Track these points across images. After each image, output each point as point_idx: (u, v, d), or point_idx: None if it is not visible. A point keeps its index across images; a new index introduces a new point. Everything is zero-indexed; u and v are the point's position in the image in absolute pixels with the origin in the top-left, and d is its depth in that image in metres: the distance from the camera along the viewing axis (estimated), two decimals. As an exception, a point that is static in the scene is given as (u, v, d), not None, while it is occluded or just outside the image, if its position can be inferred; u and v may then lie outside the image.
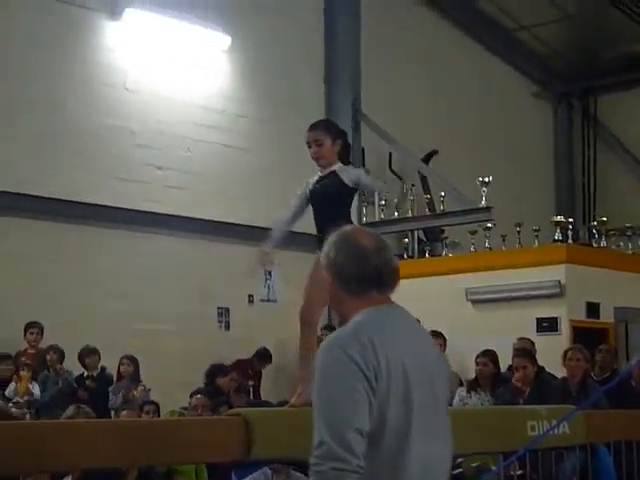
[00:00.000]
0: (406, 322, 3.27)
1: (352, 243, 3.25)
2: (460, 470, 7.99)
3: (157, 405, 9.52)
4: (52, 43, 12.27)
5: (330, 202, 5.35)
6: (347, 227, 3.40)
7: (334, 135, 5.41)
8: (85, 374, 10.88)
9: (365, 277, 3.19)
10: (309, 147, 5.43)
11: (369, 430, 2.96)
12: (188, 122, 13.52)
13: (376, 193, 5.23)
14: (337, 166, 5.39)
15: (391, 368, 3.02)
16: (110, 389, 10.66)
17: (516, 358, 9.10)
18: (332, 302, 3.33)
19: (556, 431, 5.79)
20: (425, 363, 3.18)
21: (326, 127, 5.48)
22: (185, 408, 9.26)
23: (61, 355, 10.72)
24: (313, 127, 5.46)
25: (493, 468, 7.56)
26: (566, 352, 9.12)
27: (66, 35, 12.45)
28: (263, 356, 12.92)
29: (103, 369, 10.99)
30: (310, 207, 5.60)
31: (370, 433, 2.97)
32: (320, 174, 5.43)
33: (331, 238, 3.29)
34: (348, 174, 5.36)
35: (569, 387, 8.67)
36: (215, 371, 10.83)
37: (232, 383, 10.87)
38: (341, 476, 2.88)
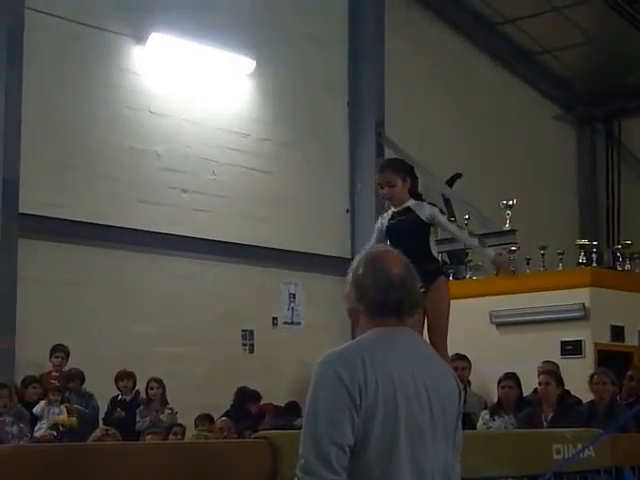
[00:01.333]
0: (409, 344, 3.34)
1: (381, 269, 3.34)
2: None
3: (184, 428, 9.57)
4: (79, 67, 12.42)
5: (409, 237, 5.57)
6: (381, 249, 3.47)
7: (404, 174, 5.65)
8: (119, 397, 10.95)
9: (385, 306, 3.31)
10: (381, 188, 5.58)
11: (353, 445, 3.08)
12: (213, 145, 13.62)
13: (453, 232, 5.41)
14: (411, 202, 5.69)
15: (380, 388, 3.11)
16: (137, 411, 10.73)
17: (541, 375, 9.10)
18: (350, 312, 3.41)
19: (581, 455, 5.79)
20: (423, 384, 3.24)
21: (395, 167, 5.74)
22: (209, 430, 9.30)
23: (82, 379, 10.80)
24: (382, 169, 5.73)
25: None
26: (592, 375, 9.12)
27: (92, 59, 12.60)
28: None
29: (138, 393, 11.06)
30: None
31: (354, 449, 3.08)
32: (394, 210, 5.60)
33: (363, 256, 3.39)
34: (423, 211, 5.59)
35: (596, 410, 8.65)
36: (247, 395, 10.88)
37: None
38: None
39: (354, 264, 3.39)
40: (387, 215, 5.66)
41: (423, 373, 3.28)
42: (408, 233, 5.53)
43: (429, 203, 5.65)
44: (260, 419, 10.83)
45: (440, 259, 5.65)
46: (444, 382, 3.36)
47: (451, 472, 3.33)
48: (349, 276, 3.38)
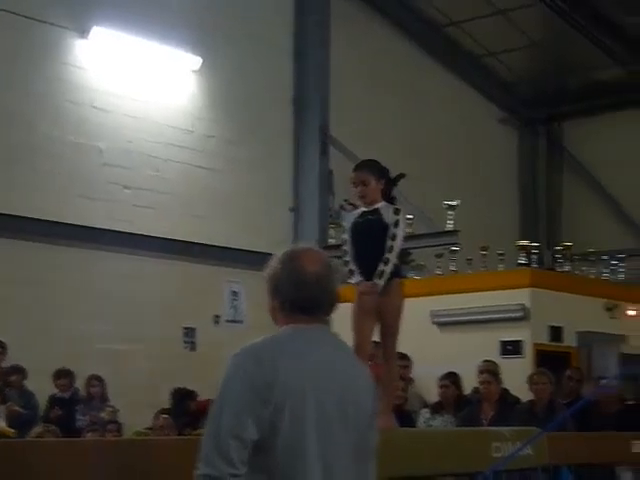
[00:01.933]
0: (323, 342, 3.35)
1: (296, 266, 3.35)
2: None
3: (120, 425, 9.51)
4: (19, 60, 12.27)
5: (371, 237, 5.63)
6: (301, 247, 3.46)
7: (378, 175, 5.67)
8: (57, 395, 10.84)
9: (297, 303, 3.33)
10: (355, 186, 5.65)
11: (258, 440, 3.10)
12: (156, 141, 13.55)
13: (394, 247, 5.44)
14: (381, 203, 5.68)
15: (288, 385, 3.14)
16: (77, 409, 10.63)
17: (482, 374, 9.18)
18: (269, 309, 3.42)
19: (520, 453, 5.85)
20: (336, 383, 3.26)
21: (370, 167, 5.73)
22: (150, 428, 9.25)
23: (24, 376, 10.67)
24: (358, 168, 5.76)
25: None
26: (532, 376, 9.22)
27: (33, 52, 12.45)
28: None
29: (77, 391, 10.96)
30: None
31: (260, 443, 3.10)
32: (364, 209, 5.62)
33: (281, 253, 3.40)
34: (388, 214, 5.62)
35: (535, 410, 8.74)
36: (183, 395, 10.84)
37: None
38: None
39: (272, 260, 3.41)
40: (357, 213, 5.70)
41: (337, 371, 3.30)
42: (370, 234, 5.59)
43: (395, 209, 5.69)
44: (200, 416, 10.78)
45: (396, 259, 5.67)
46: (359, 382, 3.37)
47: (364, 472, 3.34)
48: (266, 272, 3.40)
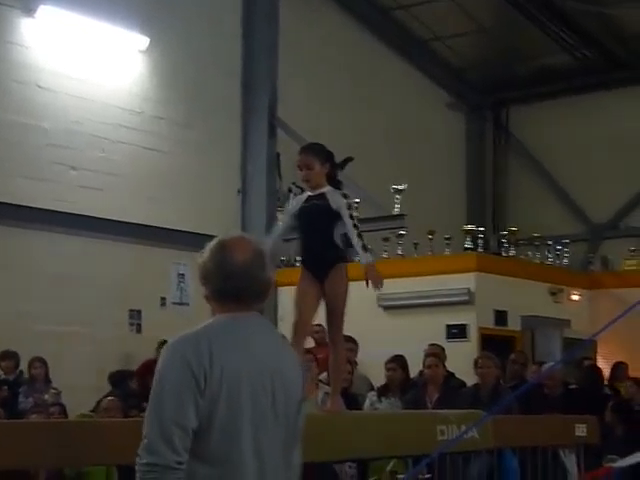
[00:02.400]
0: (257, 331, 3.40)
1: (225, 255, 3.37)
2: (375, 478, 8.08)
3: (64, 407, 9.44)
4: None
5: (317, 222, 5.64)
6: (232, 235, 3.47)
7: (323, 159, 5.66)
8: (1, 377, 10.74)
9: (225, 292, 3.36)
10: (300, 170, 5.64)
11: (196, 427, 3.15)
12: (104, 122, 13.41)
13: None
14: (327, 188, 5.67)
15: (225, 372, 3.19)
16: (20, 390, 10.54)
17: (428, 357, 9.25)
18: (203, 296, 3.45)
19: (465, 436, 5.90)
20: (268, 371, 3.31)
21: (315, 151, 5.71)
22: (93, 410, 9.18)
23: None
24: (303, 151, 5.76)
25: (400, 476, 7.65)
26: (477, 359, 9.29)
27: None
28: None
29: (21, 373, 10.85)
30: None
31: (197, 430, 3.16)
32: (310, 194, 5.67)
33: (213, 242, 3.41)
34: (334, 199, 5.63)
35: (480, 393, 8.82)
36: (123, 376, 10.80)
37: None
38: (155, 471, 3.08)
39: (205, 249, 3.42)
40: (302, 198, 5.68)
41: (268, 359, 3.34)
42: (317, 219, 5.60)
43: (343, 194, 5.69)
44: (144, 390, 10.75)
45: (341, 243, 5.67)
46: (289, 369, 3.42)
47: (291, 456, 3.40)
48: (198, 261, 3.42)
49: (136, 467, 3.15)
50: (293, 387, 3.41)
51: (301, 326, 5.65)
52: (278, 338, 3.56)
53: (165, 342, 3.35)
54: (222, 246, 3.40)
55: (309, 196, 5.69)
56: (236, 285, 3.34)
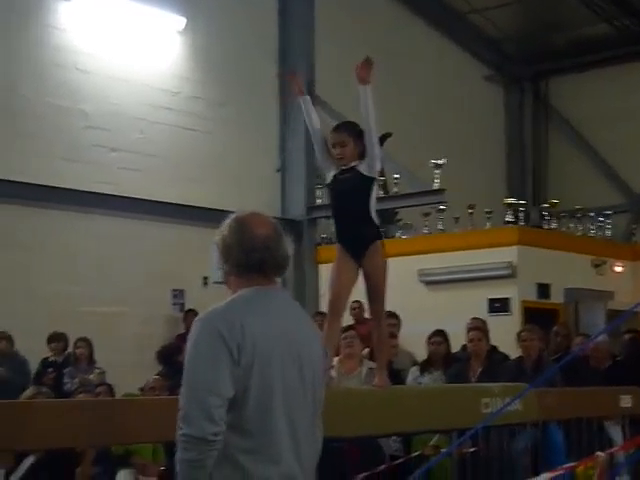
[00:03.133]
0: (282, 304, 3.50)
1: (245, 230, 3.45)
2: (418, 452, 8.09)
3: (110, 387, 9.52)
4: (2, 24, 12.15)
5: (351, 193, 5.58)
6: (247, 212, 3.54)
7: (356, 136, 5.60)
8: (50, 359, 10.85)
9: (248, 265, 3.43)
10: (333, 148, 5.62)
11: (233, 397, 3.22)
12: (142, 104, 13.47)
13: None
14: (357, 162, 5.60)
15: (257, 343, 3.27)
16: (65, 371, 10.65)
17: (472, 331, 9.21)
18: (224, 275, 3.54)
19: (509, 408, 5.89)
20: (295, 343, 3.40)
21: (349, 129, 5.67)
22: (141, 389, 9.27)
23: (11, 342, 10.65)
24: (337, 129, 5.70)
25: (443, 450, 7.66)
26: (520, 332, 9.24)
27: (16, 15, 12.34)
28: None
29: (69, 355, 10.95)
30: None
31: (234, 401, 3.23)
32: (343, 168, 5.62)
33: (230, 219, 3.50)
34: (364, 165, 5.57)
35: (524, 366, 8.79)
36: (169, 351, 10.84)
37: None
38: (191, 442, 3.16)
39: (222, 227, 3.50)
40: (334, 171, 5.66)
41: (294, 330, 3.44)
42: (350, 189, 5.56)
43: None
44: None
45: (377, 220, 5.64)
46: (312, 342, 3.52)
47: (316, 427, 3.51)
48: (216, 238, 3.50)
49: (176, 438, 3.22)
50: (317, 359, 3.51)
51: (337, 305, 5.62)
52: (300, 311, 3.63)
53: (190, 311, 3.42)
54: (241, 222, 3.47)
55: (342, 169, 5.65)
56: (259, 258, 3.42)
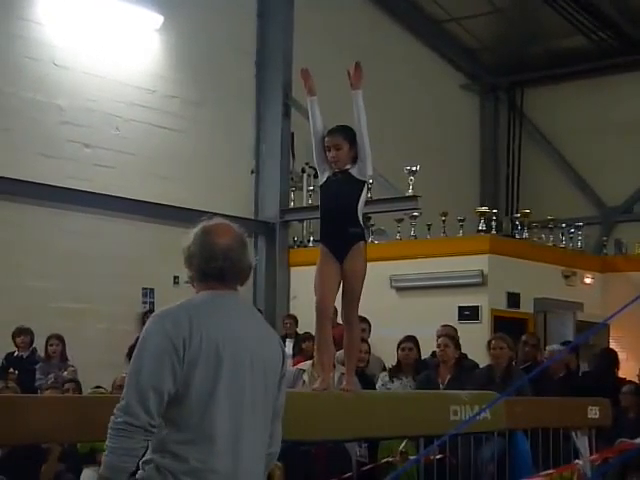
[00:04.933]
0: (236, 308, 3.63)
1: (207, 240, 3.61)
2: (388, 459, 8.10)
3: (78, 383, 9.48)
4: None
5: (343, 193, 5.66)
6: (214, 221, 3.68)
7: (351, 140, 5.69)
8: (15, 353, 10.78)
9: (207, 273, 3.60)
10: (328, 151, 5.69)
11: (174, 392, 3.39)
12: (118, 101, 13.41)
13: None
14: (351, 166, 5.71)
15: (204, 340, 3.42)
16: (37, 367, 10.58)
17: (440, 338, 9.25)
18: (189, 279, 3.72)
19: (477, 416, 5.90)
20: (246, 346, 3.54)
21: (344, 133, 5.75)
22: (103, 388, 9.22)
23: None
24: (333, 132, 5.76)
25: (412, 457, 7.66)
26: (490, 340, 9.29)
27: (-8, 7, 12.26)
28: None
29: (34, 350, 10.89)
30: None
31: (175, 396, 3.40)
32: (336, 170, 5.71)
33: (197, 227, 3.65)
34: (356, 168, 5.68)
35: (493, 374, 8.83)
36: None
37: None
38: (128, 430, 3.32)
39: (189, 234, 3.65)
40: (327, 173, 5.71)
41: (246, 334, 3.57)
42: (341, 190, 5.63)
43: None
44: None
45: (362, 223, 5.70)
46: (267, 345, 3.66)
47: (271, 430, 3.67)
48: (183, 245, 3.66)
49: (109, 424, 3.36)
50: (272, 363, 3.65)
51: (324, 308, 5.65)
52: (257, 316, 3.78)
53: (147, 313, 3.51)
54: (205, 231, 3.63)
55: (335, 171, 5.71)
56: (217, 266, 3.57)
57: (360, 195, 5.64)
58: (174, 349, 3.37)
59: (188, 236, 3.64)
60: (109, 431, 3.36)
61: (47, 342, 10.86)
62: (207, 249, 3.57)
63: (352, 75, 5.83)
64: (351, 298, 5.66)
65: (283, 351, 3.76)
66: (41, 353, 10.91)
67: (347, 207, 5.62)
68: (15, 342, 10.85)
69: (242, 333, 3.55)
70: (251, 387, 3.52)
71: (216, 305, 3.56)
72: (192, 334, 3.40)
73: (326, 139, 5.73)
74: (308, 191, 14.90)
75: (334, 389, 5.90)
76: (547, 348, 11.06)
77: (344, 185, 5.64)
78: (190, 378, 3.39)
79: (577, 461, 5.99)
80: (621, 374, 11.22)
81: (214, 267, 3.56)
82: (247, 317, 3.67)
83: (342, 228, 5.62)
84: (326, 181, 5.73)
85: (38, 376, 10.46)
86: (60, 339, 10.88)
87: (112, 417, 3.36)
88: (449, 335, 9.47)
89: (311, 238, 15.03)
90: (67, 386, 9.10)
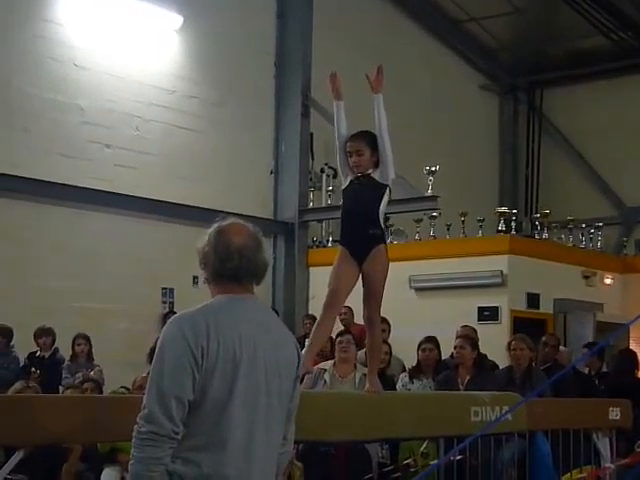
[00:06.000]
0: (254, 311, 3.61)
1: (222, 239, 3.59)
2: (408, 461, 8.08)
3: (98, 383, 9.50)
4: (0, 17, 12.12)
5: (363, 197, 5.70)
6: (229, 221, 3.66)
7: (373, 145, 5.72)
8: (37, 353, 10.83)
9: (223, 273, 3.57)
10: (350, 156, 5.70)
11: (192, 399, 3.37)
12: (138, 101, 13.45)
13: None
14: (373, 170, 5.74)
15: (221, 347, 3.41)
16: (63, 367, 10.62)
17: (457, 339, 9.24)
18: (205, 280, 3.68)
19: (496, 418, 5.89)
20: (263, 350, 3.52)
21: (367, 139, 5.76)
22: (126, 388, 9.25)
23: (9, 338, 10.65)
24: (355, 138, 5.78)
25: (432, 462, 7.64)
26: (511, 341, 9.26)
27: (14, 8, 12.30)
28: None
29: (56, 350, 10.93)
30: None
31: (192, 402, 3.38)
32: (359, 175, 5.74)
33: (212, 228, 3.64)
34: (378, 172, 5.71)
35: (513, 375, 8.81)
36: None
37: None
38: (153, 439, 3.31)
39: (205, 236, 3.64)
40: (350, 177, 5.74)
41: (263, 338, 3.54)
42: (363, 193, 5.66)
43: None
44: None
45: (384, 225, 5.72)
46: (283, 348, 3.64)
47: (285, 432, 3.68)
48: (198, 246, 3.64)
49: (133, 434, 3.35)
50: (288, 365, 3.63)
51: (334, 299, 5.66)
52: (274, 319, 3.77)
53: (168, 314, 3.48)
54: (219, 231, 3.60)
55: (357, 176, 5.73)
56: (234, 266, 3.54)
57: (382, 198, 5.65)
58: (193, 357, 3.36)
59: (202, 237, 3.64)
60: (134, 440, 3.35)
61: (74, 342, 10.89)
62: (222, 248, 3.56)
63: (373, 79, 5.81)
64: (373, 299, 5.67)
65: (299, 353, 3.74)
66: (63, 353, 10.95)
67: (368, 210, 5.65)
68: (37, 342, 10.89)
69: (258, 337, 3.53)
70: (266, 390, 3.52)
71: (234, 309, 3.53)
72: (210, 341, 3.39)
73: (348, 144, 5.74)
74: (327, 191, 14.90)
75: (355, 389, 5.91)
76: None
77: (366, 189, 5.66)
78: (207, 386, 3.39)
79: (608, 464, 5.95)
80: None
81: (230, 266, 3.54)
82: (263, 320, 3.65)
83: (362, 230, 5.64)
84: (349, 185, 5.76)
85: (65, 375, 10.51)
86: (87, 339, 10.91)
87: (136, 426, 3.35)
88: (466, 336, 9.44)
89: (330, 238, 15.04)
90: (86, 385, 9.12)
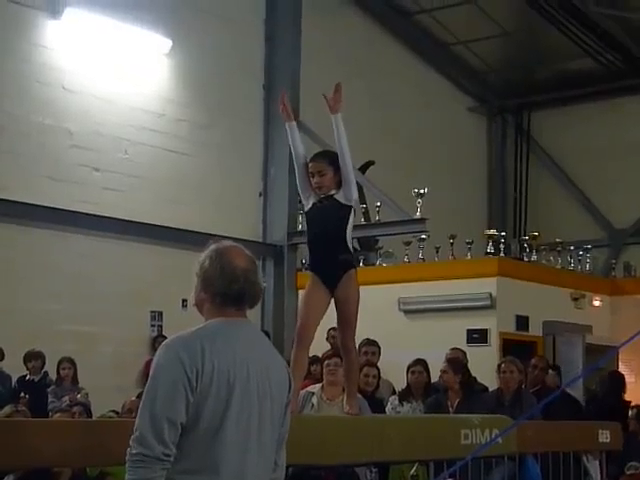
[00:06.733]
0: (248, 336, 3.63)
1: (225, 261, 3.59)
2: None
3: (87, 407, 9.47)
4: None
5: (329, 220, 5.61)
6: (227, 243, 3.66)
7: (335, 165, 5.63)
8: (27, 377, 10.77)
9: (228, 296, 3.57)
10: (312, 177, 5.63)
11: (185, 422, 3.37)
12: (127, 124, 13.46)
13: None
14: (336, 191, 5.64)
15: (215, 371, 3.41)
16: (49, 391, 10.57)
17: (443, 364, 9.22)
18: (196, 302, 3.67)
19: (486, 441, 5.88)
20: (257, 374, 3.53)
21: (328, 158, 5.69)
22: (115, 412, 9.21)
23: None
24: (316, 158, 5.71)
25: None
26: (500, 364, 9.24)
27: (2, 32, 12.33)
28: None
29: (46, 374, 10.88)
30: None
31: (185, 425, 3.37)
32: (321, 196, 5.65)
33: (209, 249, 3.62)
34: (341, 194, 5.61)
35: (503, 398, 8.79)
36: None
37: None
38: (144, 461, 3.31)
39: (201, 257, 3.62)
40: (312, 200, 5.67)
41: (256, 362, 3.55)
42: (327, 215, 5.58)
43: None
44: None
45: (352, 248, 5.66)
46: (275, 372, 3.65)
47: (276, 457, 3.67)
48: (196, 268, 3.62)
49: (126, 457, 3.34)
50: (279, 389, 3.64)
51: (304, 335, 5.62)
52: (267, 344, 3.78)
53: (157, 337, 3.46)
54: (221, 253, 3.60)
55: (320, 198, 5.67)
56: (238, 289, 3.55)
57: (347, 221, 5.59)
58: (187, 380, 3.36)
59: (200, 259, 3.61)
60: (127, 463, 3.34)
61: (59, 365, 10.87)
62: (228, 271, 3.55)
63: (331, 98, 5.72)
64: (347, 324, 5.63)
65: (290, 377, 3.75)
66: (50, 376, 10.91)
67: (335, 234, 5.56)
68: (27, 366, 10.84)
69: (252, 360, 3.53)
70: (259, 414, 3.52)
71: (230, 333, 3.53)
72: (204, 365, 3.38)
73: (310, 164, 5.67)
74: (316, 214, 14.91)
75: (342, 412, 5.87)
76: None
77: (330, 211, 5.57)
78: (200, 410, 3.38)
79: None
80: (631, 397, 11.18)
81: (236, 288, 3.54)
82: (256, 344, 3.65)
83: (332, 256, 5.56)
84: (312, 208, 5.66)
85: (51, 399, 10.47)
86: (71, 362, 10.90)
87: (128, 449, 3.35)
88: (450, 360, 9.41)
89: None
90: (75, 409, 9.08)
